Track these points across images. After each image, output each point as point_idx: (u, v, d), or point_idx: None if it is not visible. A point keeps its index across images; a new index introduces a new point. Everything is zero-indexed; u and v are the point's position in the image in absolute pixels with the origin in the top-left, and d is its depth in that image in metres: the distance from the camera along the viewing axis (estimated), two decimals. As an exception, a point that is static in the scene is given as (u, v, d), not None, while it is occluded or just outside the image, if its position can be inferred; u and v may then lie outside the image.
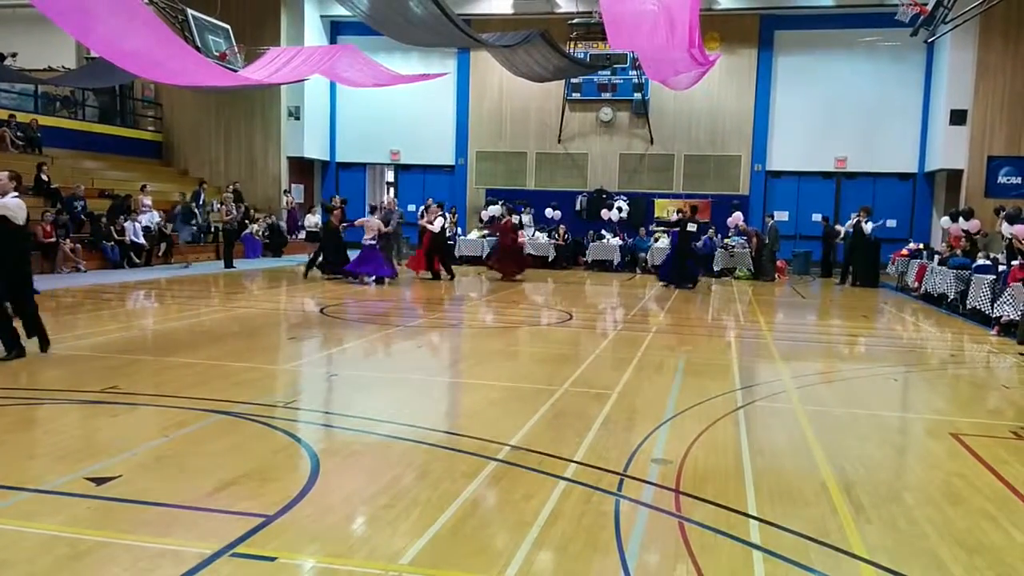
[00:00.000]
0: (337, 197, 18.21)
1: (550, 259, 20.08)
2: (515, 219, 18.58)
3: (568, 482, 4.17)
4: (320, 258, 15.66)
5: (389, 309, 11.71)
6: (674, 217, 20.27)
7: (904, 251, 17.37)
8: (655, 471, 4.41)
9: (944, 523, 3.80)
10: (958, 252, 13.79)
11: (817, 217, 20.49)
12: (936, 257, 14.92)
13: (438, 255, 16.16)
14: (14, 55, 21.78)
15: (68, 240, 15.33)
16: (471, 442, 4.84)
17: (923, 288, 14.49)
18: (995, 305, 10.71)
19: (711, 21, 20.27)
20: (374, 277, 14.74)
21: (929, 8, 15.17)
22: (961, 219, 15.29)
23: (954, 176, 20.14)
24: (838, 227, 19.29)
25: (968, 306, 12.02)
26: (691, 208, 16.21)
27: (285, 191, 23.01)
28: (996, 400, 6.91)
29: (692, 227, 15.88)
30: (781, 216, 21.27)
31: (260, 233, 21.04)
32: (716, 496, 4.02)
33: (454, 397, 6.60)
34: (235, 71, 15.01)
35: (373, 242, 14.71)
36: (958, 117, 19.49)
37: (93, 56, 15.72)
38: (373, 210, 15.31)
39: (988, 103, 19.33)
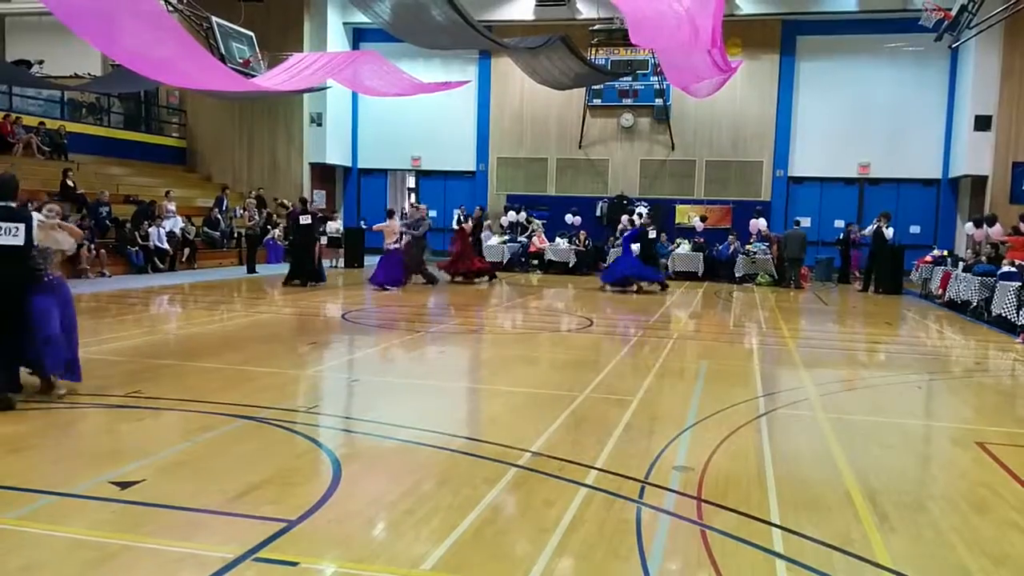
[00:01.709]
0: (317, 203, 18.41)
1: (571, 265, 20.05)
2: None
3: (589, 489, 4.16)
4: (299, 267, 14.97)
5: (410, 315, 11.75)
6: (698, 225, 20.22)
7: (928, 258, 17.16)
8: (677, 478, 4.39)
9: (970, 533, 3.75)
10: None
11: (840, 223, 20.33)
12: (961, 264, 14.71)
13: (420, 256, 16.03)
14: (41, 63, 22.18)
15: (93, 246, 15.51)
16: (492, 448, 4.84)
17: (947, 295, 14.29)
18: (1021, 312, 10.54)
19: (732, 27, 20.14)
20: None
21: (953, 13, 15.02)
22: (985, 225, 15.09)
23: (979, 182, 19.88)
24: (843, 235, 19.25)
25: (993, 313, 11.85)
26: (651, 215, 16.79)
27: (313, 200, 23.13)
28: (1022, 409, 6.80)
29: (652, 234, 16.44)
30: (804, 222, 21.10)
31: (282, 238, 21.20)
32: (738, 504, 3.99)
33: (475, 403, 6.61)
34: (253, 76, 15.14)
35: (397, 246, 14.74)
36: (983, 123, 19.25)
37: (118, 63, 15.91)
38: (390, 215, 15.31)
39: (1013, 108, 19.05)
